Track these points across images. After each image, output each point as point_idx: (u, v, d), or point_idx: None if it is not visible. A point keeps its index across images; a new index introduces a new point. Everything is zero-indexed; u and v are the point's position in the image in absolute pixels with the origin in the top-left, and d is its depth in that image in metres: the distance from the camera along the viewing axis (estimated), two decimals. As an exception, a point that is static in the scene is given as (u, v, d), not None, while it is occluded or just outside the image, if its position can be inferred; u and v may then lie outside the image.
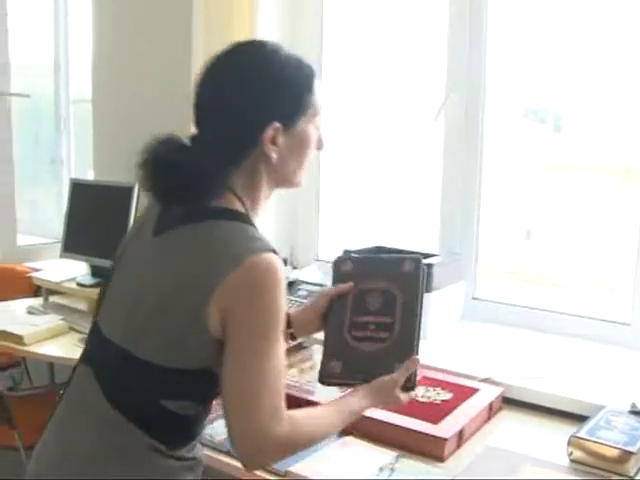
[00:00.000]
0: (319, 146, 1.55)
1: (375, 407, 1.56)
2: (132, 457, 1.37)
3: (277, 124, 1.40)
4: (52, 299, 3.06)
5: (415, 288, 1.58)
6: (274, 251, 1.35)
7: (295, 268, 2.86)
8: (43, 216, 3.98)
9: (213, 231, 1.37)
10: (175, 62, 2.94)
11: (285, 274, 1.39)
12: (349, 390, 1.54)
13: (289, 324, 1.68)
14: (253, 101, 1.40)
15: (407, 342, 1.54)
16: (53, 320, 2.72)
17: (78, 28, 3.65)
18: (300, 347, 2.27)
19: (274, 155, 1.42)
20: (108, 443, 1.38)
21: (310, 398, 1.87)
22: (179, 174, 1.37)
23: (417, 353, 1.53)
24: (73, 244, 3.18)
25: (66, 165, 3.87)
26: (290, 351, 2.21)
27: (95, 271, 3.07)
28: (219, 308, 1.30)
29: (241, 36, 2.54)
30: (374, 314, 1.59)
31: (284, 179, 1.50)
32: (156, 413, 1.36)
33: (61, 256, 3.21)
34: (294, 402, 1.85)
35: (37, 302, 3.04)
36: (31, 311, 2.88)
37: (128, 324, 1.40)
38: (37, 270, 3.24)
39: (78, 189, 3.25)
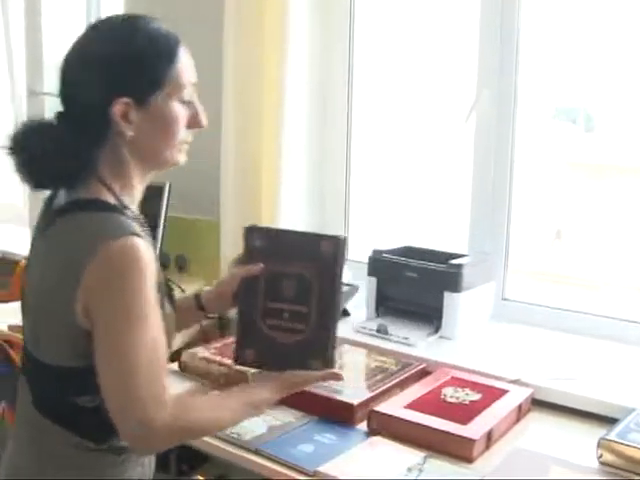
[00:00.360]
0: (193, 124, 1.48)
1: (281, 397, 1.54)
2: (64, 460, 1.40)
3: (126, 99, 1.36)
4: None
5: (332, 275, 1.49)
6: (136, 234, 1.32)
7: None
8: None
9: (79, 224, 1.36)
10: (205, 63, 2.94)
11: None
12: (259, 380, 1.53)
13: (202, 306, 1.67)
14: (98, 75, 1.37)
15: (323, 338, 1.49)
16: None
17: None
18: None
19: (129, 132, 1.38)
20: (42, 451, 1.41)
21: (339, 398, 1.87)
22: (35, 155, 1.36)
23: (333, 353, 1.51)
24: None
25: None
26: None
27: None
28: (84, 299, 1.30)
29: (272, 35, 2.56)
30: (288, 301, 1.50)
31: (151, 159, 1.46)
32: (73, 411, 1.38)
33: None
34: (321, 402, 1.87)
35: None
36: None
37: (29, 328, 1.43)
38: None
39: (109, 188, 3.27)
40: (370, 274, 2.46)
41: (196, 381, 2.07)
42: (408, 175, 2.95)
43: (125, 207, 1.41)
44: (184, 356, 2.17)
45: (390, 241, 2.58)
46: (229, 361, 2.02)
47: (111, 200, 1.39)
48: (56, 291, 1.34)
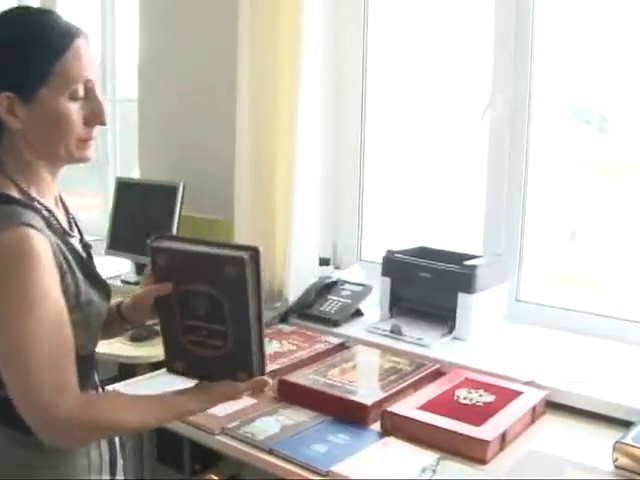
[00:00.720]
0: (92, 121, 1.43)
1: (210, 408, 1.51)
2: (4, 458, 1.39)
3: (9, 93, 1.35)
4: (97, 296, 3.08)
5: (243, 296, 1.40)
6: (31, 225, 1.30)
7: (338, 268, 2.86)
8: (89, 214, 4.03)
9: None
10: (220, 63, 2.96)
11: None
12: (188, 390, 1.49)
13: (124, 318, 1.62)
14: None
15: (245, 353, 1.44)
16: (98, 317, 2.75)
17: (124, 27, 3.68)
18: (342, 347, 2.27)
19: (16, 126, 1.37)
20: None
21: (352, 398, 1.87)
22: None
23: (261, 361, 1.46)
24: (118, 241, 3.22)
25: (112, 164, 3.91)
26: (332, 351, 2.22)
27: (140, 268, 3.10)
28: None
29: (287, 35, 2.56)
30: (204, 320, 1.45)
31: (48, 155, 1.43)
32: None
33: (106, 253, 3.26)
34: (335, 402, 1.86)
35: (82, 299, 3.06)
36: (76, 308, 2.91)
37: None
38: (83, 267, 3.27)
39: (123, 187, 3.29)
40: (384, 274, 2.45)
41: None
42: (422, 176, 2.95)
43: (32, 199, 1.40)
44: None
45: (404, 242, 2.57)
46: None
47: (15, 194, 1.39)
48: None
